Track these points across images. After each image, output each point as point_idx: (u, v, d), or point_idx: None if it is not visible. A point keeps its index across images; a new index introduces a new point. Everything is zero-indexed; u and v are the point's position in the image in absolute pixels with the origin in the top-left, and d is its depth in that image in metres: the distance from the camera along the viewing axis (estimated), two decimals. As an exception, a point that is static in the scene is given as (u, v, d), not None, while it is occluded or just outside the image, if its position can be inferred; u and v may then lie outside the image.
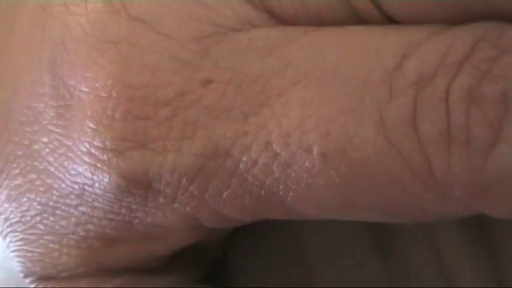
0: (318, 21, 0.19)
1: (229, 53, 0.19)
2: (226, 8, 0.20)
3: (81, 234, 0.22)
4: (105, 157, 0.21)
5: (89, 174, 0.21)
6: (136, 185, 0.21)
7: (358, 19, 0.19)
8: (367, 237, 0.25)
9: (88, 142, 0.21)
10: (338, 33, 0.19)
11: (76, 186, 0.22)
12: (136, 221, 0.22)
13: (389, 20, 0.19)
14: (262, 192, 0.19)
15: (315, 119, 0.18)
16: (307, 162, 0.18)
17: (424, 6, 0.18)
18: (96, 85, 0.20)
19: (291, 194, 0.19)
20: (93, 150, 0.21)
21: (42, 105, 0.22)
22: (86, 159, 0.21)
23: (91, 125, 0.21)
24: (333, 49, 0.18)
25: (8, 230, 0.24)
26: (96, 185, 0.21)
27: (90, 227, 0.22)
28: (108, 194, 0.21)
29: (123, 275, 0.23)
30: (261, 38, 0.19)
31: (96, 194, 0.21)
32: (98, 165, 0.21)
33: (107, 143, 0.20)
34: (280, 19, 0.20)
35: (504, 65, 0.17)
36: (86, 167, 0.21)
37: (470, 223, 0.23)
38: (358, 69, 0.18)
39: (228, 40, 0.19)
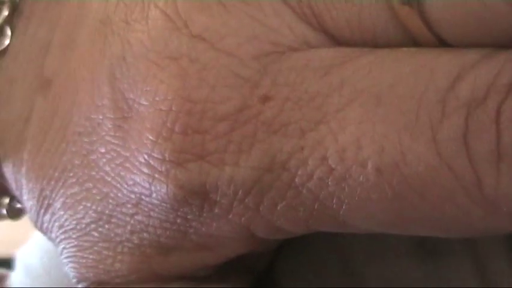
0: (373, 42, 0.20)
1: (287, 71, 0.20)
2: (285, 28, 0.20)
3: (135, 242, 0.23)
4: (163, 168, 0.21)
5: (146, 185, 0.22)
6: (193, 196, 0.21)
7: (412, 41, 0.20)
8: (411, 247, 0.25)
9: (147, 153, 0.21)
10: (393, 54, 0.19)
11: (133, 196, 0.22)
12: (191, 230, 0.22)
13: (442, 42, 0.19)
14: (316, 205, 0.20)
15: (370, 135, 0.19)
16: (361, 177, 0.19)
17: (476, 31, 0.19)
18: (156, 99, 0.21)
19: (344, 207, 0.20)
20: (151, 162, 0.21)
21: (101, 117, 0.23)
22: (144, 169, 0.22)
23: (150, 137, 0.21)
24: (388, 69, 0.19)
25: (62, 236, 0.25)
26: (154, 195, 0.22)
27: (144, 235, 0.23)
28: (164, 204, 0.22)
29: (174, 282, 0.24)
30: (318, 57, 0.20)
31: (152, 203, 0.22)
32: (156, 175, 0.21)
33: (166, 154, 0.21)
34: (337, 40, 0.20)
35: None
36: (144, 177, 0.22)
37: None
38: (413, 88, 0.19)
39: (286, 59, 0.20)
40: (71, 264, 0.25)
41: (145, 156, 0.22)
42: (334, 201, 0.20)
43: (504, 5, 0.18)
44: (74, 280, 0.25)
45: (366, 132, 0.19)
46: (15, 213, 0.28)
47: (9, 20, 0.26)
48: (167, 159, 0.21)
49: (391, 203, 0.19)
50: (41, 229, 0.26)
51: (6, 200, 0.28)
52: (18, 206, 0.28)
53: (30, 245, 0.37)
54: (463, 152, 0.18)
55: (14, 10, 0.26)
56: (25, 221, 0.30)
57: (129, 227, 0.23)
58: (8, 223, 0.31)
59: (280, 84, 0.20)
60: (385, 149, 0.19)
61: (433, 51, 0.19)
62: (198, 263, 0.23)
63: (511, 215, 0.18)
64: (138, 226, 0.23)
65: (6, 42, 0.25)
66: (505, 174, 0.18)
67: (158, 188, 0.22)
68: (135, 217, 0.23)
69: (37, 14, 0.25)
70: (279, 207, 0.21)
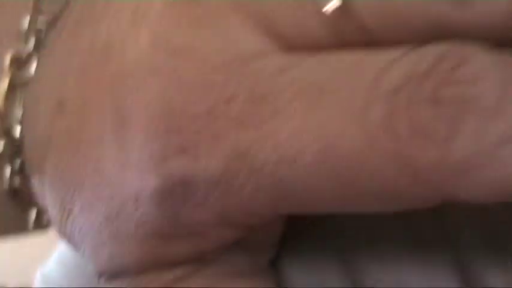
0: (318, 47, 0.23)
1: (248, 75, 0.24)
2: (246, 40, 0.24)
3: (141, 235, 0.26)
4: (151, 165, 0.25)
5: (139, 181, 0.25)
6: (177, 188, 0.24)
7: (346, 45, 0.23)
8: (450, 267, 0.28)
9: (139, 153, 0.25)
10: (331, 56, 0.23)
11: (132, 193, 0.25)
12: (182, 219, 0.25)
13: (371, 44, 0.23)
14: (276, 187, 0.23)
15: (314, 122, 0.22)
16: (305, 160, 0.22)
17: (400, 31, 0.22)
18: (145, 105, 0.25)
19: (296, 187, 0.23)
20: (142, 160, 0.25)
21: (104, 127, 0.26)
22: (138, 168, 0.25)
23: (141, 138, 0.25)
24: (327, 67, 0.23)
25: (82, 238, 0.28)
26: (147, 189, 0.25)
27: (147, 227, 0.26)
28: (156, 197, 0.25)
29: (180, 266, 0.27)
30: (272, 63, 0.24)
31: (148, 197, 0.25)
32: (146, 173, 0.25)
33: (153, 153, 0.24)
34: (288, 46, 0.24)
35: (463, 72, 0.21)
36: (138, 174, 0.25)
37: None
38: (347, 81, 0.22)
39: (247, 65, 0.24)
40: (90, 262, 0.28)
41: (138, 156, 0.25)
42: (289, 182, 0.23)
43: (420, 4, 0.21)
44: (96, 276, 0.29)
45: (308, 121, 0.22)
46: (43, 223, 0.32)
47: (36, 48, 0.30)
48: (154, 156, 0.24)
49: (331, 182, 0.22)
50: (64, 236, 0.29)
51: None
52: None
53: (49, 262, 0.40)
54: (388, 131, 0.21)
55: (39, 41, 0.30)
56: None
57: (133, 222, 0.26)
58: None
59: (242, 87, 0.23)
60: (323, 133, 0.22)
61: (363, 52, 0.23)
62: (195, 248, 0.26)
63: (432, 183, 0.21)
64: (141, 220, 0.26)
65: (33, 68, 0.30)
66: (420, 147, 0.21)
67: (149, 182, 0.25)
68: (136, 212, 0.26)
69: (58, 45, 0.29)
70: (245, 192, 0.24)
